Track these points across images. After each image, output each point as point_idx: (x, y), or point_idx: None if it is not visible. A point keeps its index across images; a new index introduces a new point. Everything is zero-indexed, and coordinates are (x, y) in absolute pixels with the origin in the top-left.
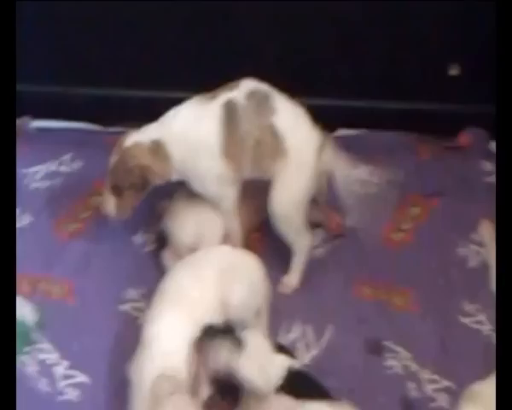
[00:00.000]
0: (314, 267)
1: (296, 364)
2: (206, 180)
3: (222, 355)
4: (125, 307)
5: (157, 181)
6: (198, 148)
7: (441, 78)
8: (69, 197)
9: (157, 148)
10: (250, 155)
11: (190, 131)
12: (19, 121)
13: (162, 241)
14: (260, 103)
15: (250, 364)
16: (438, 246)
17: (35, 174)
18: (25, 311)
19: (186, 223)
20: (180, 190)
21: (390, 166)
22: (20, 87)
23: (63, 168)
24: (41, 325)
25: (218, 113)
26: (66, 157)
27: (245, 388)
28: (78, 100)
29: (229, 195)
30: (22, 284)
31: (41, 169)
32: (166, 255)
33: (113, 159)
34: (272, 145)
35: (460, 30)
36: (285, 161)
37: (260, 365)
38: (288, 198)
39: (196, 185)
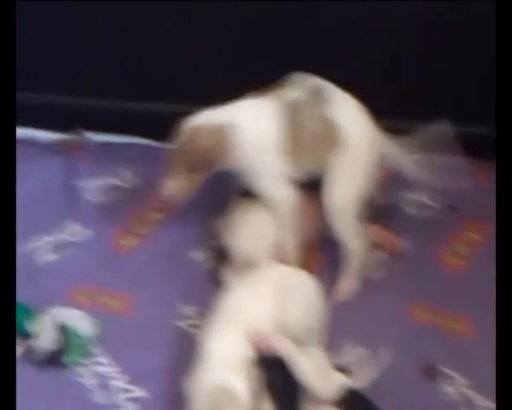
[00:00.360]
0: (370, 289)
1: (354, 383)
2: (263, 178)
3: None
4: (182, 323)
5: (218, 165)
6: (258, 144)
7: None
8: (128, 212)
9: (221, 132)
10: (309, 148)
11: (251, 127)
12: (79, 135)
13: (221, 257)
14: (316, 96)
15: (310, 366)
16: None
17: (95, 188)
18: (84, 324)
19: (244, 240)
20: (237, 206)
21: (448, 190)
22: (81, 101)
23: (123, 183)
24: (99, 338)
25: (278, 109)
26: (127, 172)
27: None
28: (140, 115)
29: (285, 196)
30: (81, 298)
31: (101, 183)
32: (225, 272)
33: (178, 139)
34: (329, 137)
35: None
36: (341, 152)
37: (320, 370)
38: (345, 190)
39: (253, 182)
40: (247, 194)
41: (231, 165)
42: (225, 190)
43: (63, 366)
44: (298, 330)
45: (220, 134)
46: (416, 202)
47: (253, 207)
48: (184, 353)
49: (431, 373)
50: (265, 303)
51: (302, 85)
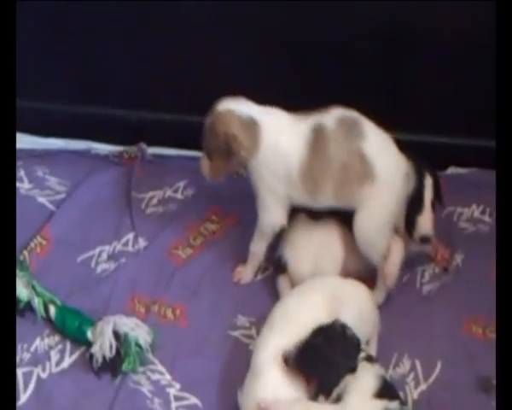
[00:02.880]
0: (423, 303)
1: (396, 406)
2: (266, 193)
3: None
4: (236, 333)
5: (240, 155)
6: (279, 158)
7: None
8: (182, 223)
9: (251, 125)
10: (334, 179)
11: (281, 139)
12: (136, 148)
13: (279, 267)
14: (350, 128)
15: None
16: None
17: (151, 199)
18: (140, 332)
19: (304, 254)
20: (300, 217)
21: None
22: (137, 114)
23: (178, 195)
24: (155, 346)
25: (306, 132)
26: (181, 184)
27: None
28: (194, 128)
29: (274, 220)
30: (137, 306)
31: (156, 195)
32: (282, 282)
33: (207, 120)
34: (360, 170)
35: None
36: (373, 186)
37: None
38: (374, 223)
39: (257, 186)
40: (310, 212)
41: (251, 159)
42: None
43: (121, 373)
44: None
45: (250, 127)
46: (469, 216)
47: (315, 226)
48: (237, 363)
49: (485, 387)
50: (315, 312)
51: (335, 114)
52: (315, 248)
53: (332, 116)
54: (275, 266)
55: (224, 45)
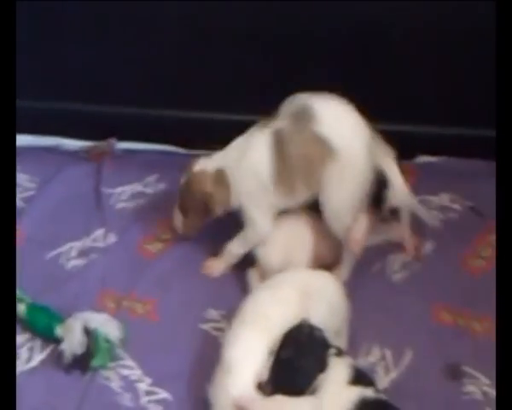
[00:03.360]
0: (393, 291)
1: (371, 393)
2: (253, 209)
3: None
4: (206, 326)
5: (218, 209)
6: (252, 181)
7: None
8: (153, 218)
9: (220, 176)
10: (302, 174)
11: (245, 162)
12: (105, 143)
13: (249, 260)
14: (300, 118)
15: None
16: None
17: (120, 194)
18: (110, 327)
19: (274, 246)
20: None
21: (471, 193)
22: (107, 109)
23: (148, 189)
24: (125, 341)
25: (269, 142)
26: (151, 178)
27: None
28: (164, 122)
29: (266, 226)
30: (107, 302)
31: (126, 190)
32: (252, 275)
33: (182, 180)
34: (321, 153)
35: None
36: (335, 161)
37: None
38: (340, 197)
39: (241, 203)
40: None
41: (230, 206)
42: None
43: (91, 369)
44: None
45: (219, 179)
46: (438, 204)
47: (283, 217)
48: (208, 356)
49: (455, 374)
50: (286, 307)
51: (288, 112)
52: (284, 239)
53: (285, 115)
54: (245, 259)
55: (191, 38)
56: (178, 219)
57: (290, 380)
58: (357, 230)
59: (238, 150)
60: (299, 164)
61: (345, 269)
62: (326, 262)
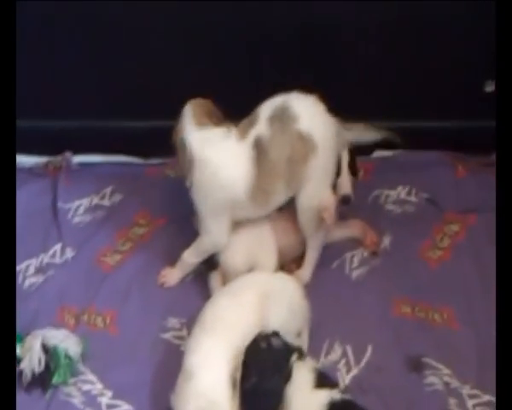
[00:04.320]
0: (353, 288)
1: (338, 394)
2: (210, 212)
3: None
4: (167, 335)
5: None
6: (221, 190)
7: (477, 95)
8: (110, 230)
9: (186, 149)
10: (284, 177)
11: (221, 172)
12: (60, 157)
13: (210, 264)
14: (281, 119)
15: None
16: (476, 262)
17: (77, 208)
18: (70, 343)
19: (237, 247)
20: None
21: (427, 184)
22: (61, 123)
23: (105, 201)
24: (85, 356)
25: (248, 152)
26: (108, 190)
27: None
28: (119, 133)
29: (215, 238)
30: (67, 317)
31: (83, 203)
32: (213, 279)
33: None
34: (304, 150)
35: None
36: (316, 156)
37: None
38: (319, 184)
39: (198, 207)
40: None
41: (185, 176)
42: None
43: (52, 386)
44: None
45: (184, 151)
46: (395, 198)
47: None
48: (169, 365)
49: (416, 366)
50: (245, 310)
51: (266, 115)
52: (247, 240)
53: (263, 120)
54: (206, 263)
55: (143, 49)
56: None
57: (261, 406)
58: (326, 198)
59: (215, 155)
60: (282, 168)
61: (309, 266)
62: (289, 259)
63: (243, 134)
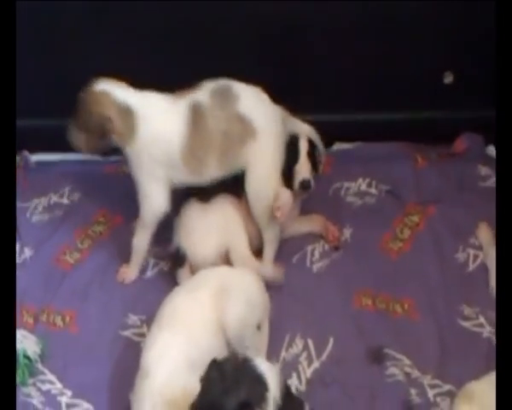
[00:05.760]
0: (314, 281)
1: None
2: (146, 175)
3: None
4: (127, 332)
5: (114, 139)
6: (159, 145)
7: (436, 86)
8: (69, 228)
9: (128, 113)
10: (217, 150)
11: (159, 125)
12: (18, 156)
13: (177, 260)
14: (223, 96)
15: None
16: (436, 253)
17: (36, 207)
18: (28, 343)
19: (205, 239)
20: (190, 204)
21: (387, 176)
22: (17, 122)
23: (63, 200)
24: (44, 355)
25: (184, 113)
26: (66, 189)
27: None
28: None
29: (159, 200)
30: (25, 317)
31: (41, 202)
32: (182, 275)
33: (82, 95)
34: (242, 131)
35: (453, 38)
36: (256, 140)
37: None
38: (264, 173)
39: (136, 173)
40: (199, 197)
41: (124, 145)
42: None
43: None
44: (238, 329)
45: (125, 113)
46: (356, 190)
47: (208, 209)
48: (129, 362)
49: (377, 357)
50: (203, 304)
51: (209, 88)
52: (215, 228)
53: (205, 91)
54: (172, 259)
55: (98, 44)
56: (77, 138)
57: None
58: (279, 198)
59: (155, 110)
60: (217, 140)
61: (268, 262)
62: (255, 245)
63: (181, 95)
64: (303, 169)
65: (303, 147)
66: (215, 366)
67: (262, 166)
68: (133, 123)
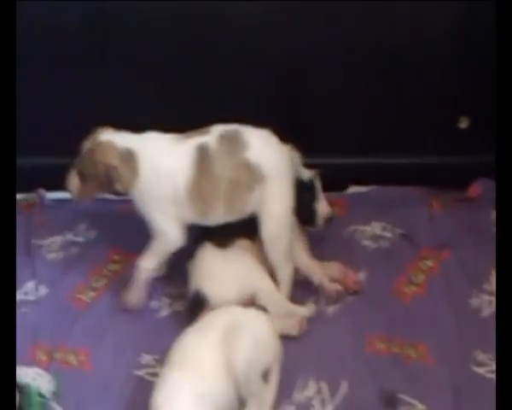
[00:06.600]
0: (327, 324)
1: None
2: (158, 213)
3: None
4: (141, 372)
5: (120, 186)
6: (163, 179)
7: (451, 131)
8: (85, 266)
9: (129, 157)
10: (224, 197)
11: (162, 163)
12: (34, 194)
13: (197, 303)
14: (232, 142)
15: None
16: (450, 298)
17: (51, 245)
18: (42, 381)
19: (226, 282)
20: (207, 249)
21: (402, 220)
22: (34, 160)
23: (79, 238)
24: (58, 394)
25: (191, 152)
26: (82, 227)
27: None
28: None
29: (174, 235)
30: (39, 355)
31: (57, 240)
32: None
33: (85, 146)
34: (249, 179)
35: (469, 83)
36: (264, 185)
37: None
38: (277, 216)
39: (146, 214)
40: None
41: (131, 191)
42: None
43: None
44: (245, 370)
45: (127, 159)
46: (370, 233)
47: (226, 253)
48: (142, 402)
49: (390, 402)
50: (212, 344)
51: (217, 132)
52: (238, 276)
53: (214, 135)
54: (191, 302)
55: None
56: (74, 184)
57: None
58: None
59: (157, 149)
60: (223, 186)
61: (285, 290)
62: None
63: (188, 136)
64: (324, 205)
65: (318, 185)
66: None
67: (274, 210)
68: (135, 165)
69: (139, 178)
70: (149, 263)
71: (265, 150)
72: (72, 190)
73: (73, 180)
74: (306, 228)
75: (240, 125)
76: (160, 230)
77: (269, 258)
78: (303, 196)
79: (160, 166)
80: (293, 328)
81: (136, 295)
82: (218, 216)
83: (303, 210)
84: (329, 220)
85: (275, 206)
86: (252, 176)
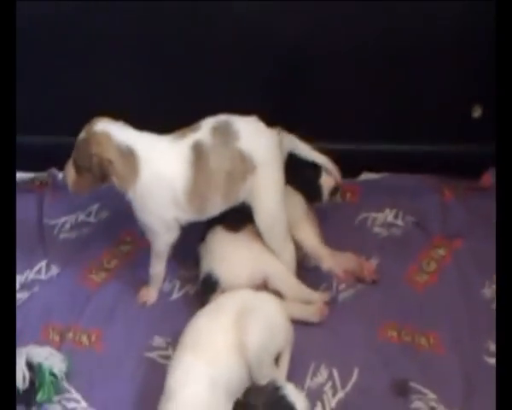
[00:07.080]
0: (339, 311)
1: None
2: (153, 215)
3: None
4: (152, 354)
5: (114, 181)
6: (163, 183)
7: (464, 120)
8: (96, 247)
9: (129, 156)
10: (221, 189)
11: (162, 168)
12: (46, 173)
13: (209, 285)
14: (224, 134)
15: None
16: (462, 287)
17: (63, 225)
18: (54, 360)
19: (239, 265)
20: (217, 231)
21: (414, 208)
22: (46, 139)
23: (91, 218)
24: (70, 374)
25: (186, 152)
26: (94, 207)
27: None
28: None
29: (167, 237)
30: (51, 334)
31: (69, 220)
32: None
33: (81, 135)
34: (242, 168)
35: (482, 72)
36: (256, 175)
37: None
38: (270, 201)
39: (141, 215)
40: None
41: (126, 189)
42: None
43: (36, 404)
44: (257, 353)
45: (127, 156)
46: (382, 221)
47: (237, 237)
48: (154, 384)
49: (402, 390)
50: (225, 327)
51: (209, 125)
52: (250, 259)
53: (205, 129)
54: (203, 285)
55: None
56: (70, 175)
57: None
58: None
59: (158, 153)
60: (220, 178)
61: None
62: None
63: (181, 135)
64: (328, 179)
65: (320, 160)
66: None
67: (266, 196)
68: (136, 166)
69: (139, 180)
70: (157, 268)
71: (255, 138)
72: (68, 183)
73: (69, 172)
74: (314, 204)
75: (228, 115)
76: (155, 232)
77: (268, 243)
78: (306, 174)
79: (161, 172)
80: (313, 315)
81: (153, 294)
82: (215, 209)
83: (308, 188)
84: (335, 191)
85: (267, 195)
86: (244, 165)
